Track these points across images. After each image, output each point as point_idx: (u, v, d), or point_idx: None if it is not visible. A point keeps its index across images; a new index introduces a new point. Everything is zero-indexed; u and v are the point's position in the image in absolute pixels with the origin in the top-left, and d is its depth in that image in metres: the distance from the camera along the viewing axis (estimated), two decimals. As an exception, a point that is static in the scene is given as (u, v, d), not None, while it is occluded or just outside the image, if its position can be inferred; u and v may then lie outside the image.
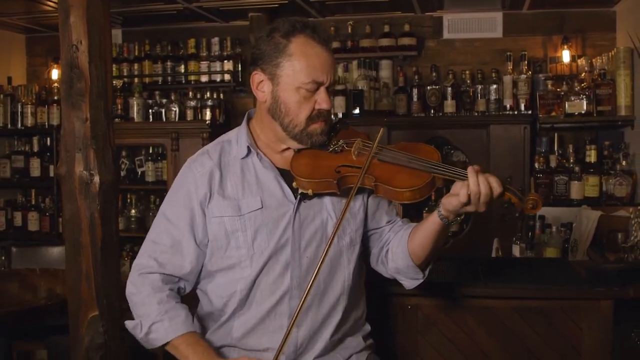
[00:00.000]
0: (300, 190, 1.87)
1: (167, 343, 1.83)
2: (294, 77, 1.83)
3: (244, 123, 1.99)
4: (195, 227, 1.90)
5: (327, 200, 1.91)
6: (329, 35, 1.92)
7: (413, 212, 4.02)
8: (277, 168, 1.92)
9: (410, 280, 1.99)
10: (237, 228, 1.87)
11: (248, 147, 1.92)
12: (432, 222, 1.85)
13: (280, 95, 1.85)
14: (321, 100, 1.85)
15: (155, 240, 1.92)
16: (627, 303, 2.34)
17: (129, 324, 1.90)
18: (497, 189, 1.74)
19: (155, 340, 1.84)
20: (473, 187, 1.72)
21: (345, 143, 1.93)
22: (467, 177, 1.75)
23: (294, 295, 1.86)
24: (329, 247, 1.75)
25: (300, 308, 1.71)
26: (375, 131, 1.93)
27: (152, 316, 1.84)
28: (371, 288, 2.16)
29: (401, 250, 1.94)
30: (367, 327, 2.06)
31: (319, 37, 1.85)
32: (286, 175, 1.90)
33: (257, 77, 1.89)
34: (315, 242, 1.88)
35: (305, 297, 1.71)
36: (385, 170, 1.84)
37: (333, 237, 1.76)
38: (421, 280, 1.99)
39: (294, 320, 1.71)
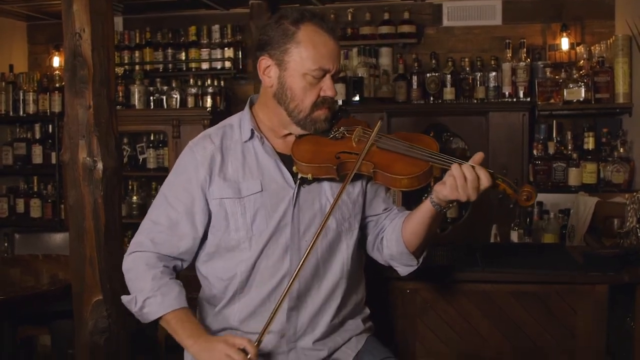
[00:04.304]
0: (300, 175, 1.90)
1: (160, 318, 1.86)
2: (302, 63, 1.86)
3: (246, 108, 2.02)
4: (194, 210, 1.92)
5: (326, 185, 1.94)
6: (336, 25, 1.94)
7: (412, 201, 4.04)
8: (278, 153, 1.95)
9: (405, 267, 2.02)
10: (236, 210, 1.90)
11: (252, 130, 1.95)
12: (425, 210, 1.87)
13: (287, 80, 1.88)
14: (326, 87, 1.89)
15: (154, 220, 1.95)
16: (622, 288, 2.38)
17: (124, 298, 1.93)
18: (485, 181, 1.76)
19: (148, 314, 1.87)
20: (456, 173, 1.75)
21: (346, 130, 1.95)
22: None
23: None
24: (325, 223, 1.80)
25: (290, 285, 1.76)
26: (374, 118, 1.95)
27: (146, 291, 1.86)
28: (371, 273, 2.19)
29: (395, 237, 1.97)
30: (367, 311, 2.10)
31: (326, 26, 1.90)
32: (287, 160, 1.93)
33: (264, 63, 1.92)
34: (314, 226, 1.91)
35: (296, 274, 1.75)
36: (384, 157, 1.87)
37: (328, 216, 1.80)
38: (415, 267, 2.02)
39: (282, 298, 1.76)
